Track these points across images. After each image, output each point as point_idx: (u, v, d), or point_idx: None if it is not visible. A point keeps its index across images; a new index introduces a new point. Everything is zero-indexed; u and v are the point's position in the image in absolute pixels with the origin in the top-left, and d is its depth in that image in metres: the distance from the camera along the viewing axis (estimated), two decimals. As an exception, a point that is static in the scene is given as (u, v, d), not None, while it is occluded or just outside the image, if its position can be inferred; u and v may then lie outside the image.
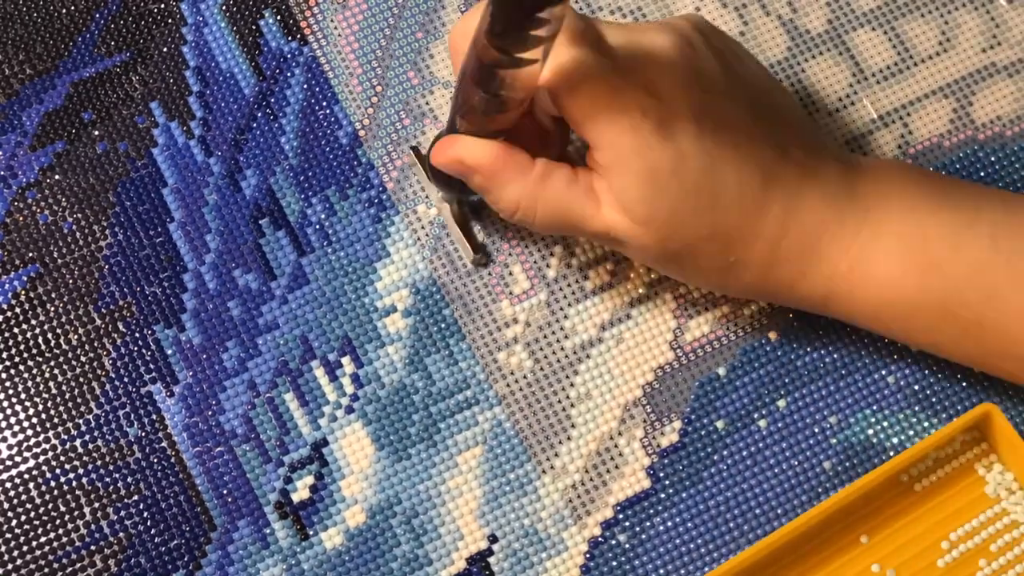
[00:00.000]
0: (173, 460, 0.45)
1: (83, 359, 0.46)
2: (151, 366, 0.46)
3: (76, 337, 0.46)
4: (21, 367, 0.46)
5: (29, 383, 0.46)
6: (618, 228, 0.40)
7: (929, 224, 0.40)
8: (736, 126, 0.40)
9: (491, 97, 0.37)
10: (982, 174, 0.49)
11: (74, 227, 0.47)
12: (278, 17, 0.50)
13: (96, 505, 0.44)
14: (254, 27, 0.50)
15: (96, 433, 0.45)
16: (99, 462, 0.45)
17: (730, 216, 0.40)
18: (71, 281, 0.47)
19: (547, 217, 0.41)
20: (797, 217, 0.40)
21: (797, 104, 0.46)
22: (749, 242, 0.40)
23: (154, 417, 0.45)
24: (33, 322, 0.46)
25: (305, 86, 0.49)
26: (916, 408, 0.46)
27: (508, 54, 0.34)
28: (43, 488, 0.45)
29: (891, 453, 0.46)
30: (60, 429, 0.45)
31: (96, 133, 0.48)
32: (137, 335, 0.46)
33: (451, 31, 0.41)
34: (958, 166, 0.49)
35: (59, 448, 0.45)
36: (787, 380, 0.46)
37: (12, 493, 0.44)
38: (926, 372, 0.46)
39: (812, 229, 0.40)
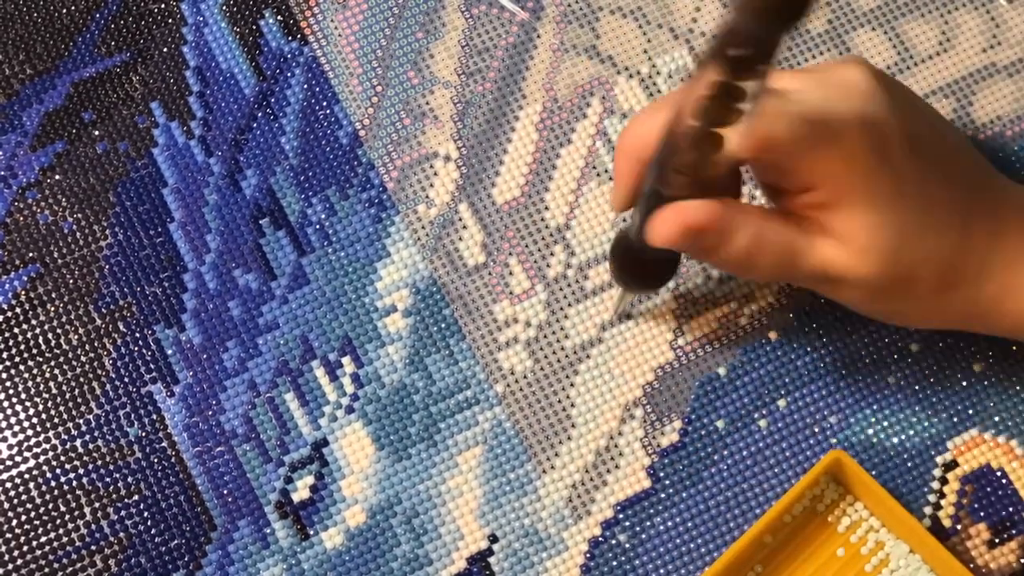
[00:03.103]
0: (173, 460, 0.45)
1: (83, 359, 0.46)
2: (151, 366, 0.46)
3: (76, 337, 0.46)
4: (21, 367, 0.46)
5: (29, 383, 0.46)
6: (836, 263, 0.39)
7: None
8: (934, 142, 0.39)
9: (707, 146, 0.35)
10: (982, 174, 0.49)
11: (74, 227, 0.47)
12: (278, 17, 0.50)
13: (96, 505, 0.44)
14: (254, 27, 0.50)
15: (96, 433, 0.45)
16: (99, 462, 0.45)
17: (945, 234, 0.39)
18: (71, 281, 0.47)
19: (772, 259, 0.39)
20: (1000, 229, 0.40)
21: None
22: (962, 260, 0.40)
23: (154, 417, 0.45)
24: (33, 322, 0.46)
25: (305, 86, 0.49)
26: (916, 408, 0.46)
27: (745, 78, 0.32)
28: (43, 488, 0.45)
29: (891, 453, 0.46)
30: (60, 429, 0.45)
31: (96, 133, 0.48)
32: (137, 335, 0.46)
33: (624, 135, 0.40)
34: (958, 166, 0.49)
35: (59, 448, 0.45)
36: (787, 380, 0.46)
37: (12, 493, 0.44)
38: (926, 372, 0.46)
39: (1015, 241, 0.40)
